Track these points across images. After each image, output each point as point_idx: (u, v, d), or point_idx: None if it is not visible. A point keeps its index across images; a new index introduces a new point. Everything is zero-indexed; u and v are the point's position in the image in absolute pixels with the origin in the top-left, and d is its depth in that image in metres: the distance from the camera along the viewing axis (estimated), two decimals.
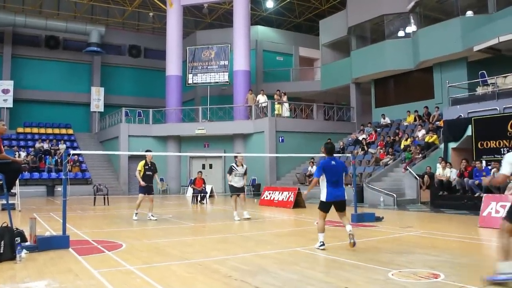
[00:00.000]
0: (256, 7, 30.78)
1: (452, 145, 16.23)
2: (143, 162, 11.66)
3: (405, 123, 21.37)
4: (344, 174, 7.21)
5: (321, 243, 6.96)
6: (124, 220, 11.35)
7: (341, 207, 7.09)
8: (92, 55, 31.62)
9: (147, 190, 11.58)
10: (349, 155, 15.36)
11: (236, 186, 11.61)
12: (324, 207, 7.06)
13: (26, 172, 22.89)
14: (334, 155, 7.27)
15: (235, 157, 11.86)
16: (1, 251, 6.19)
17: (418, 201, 15.98)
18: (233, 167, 11.56)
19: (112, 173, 26.03)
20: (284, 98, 24.21)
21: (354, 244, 6.81)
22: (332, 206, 7.06)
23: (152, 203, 11.78)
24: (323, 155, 7.46)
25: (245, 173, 11.67)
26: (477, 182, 13.41)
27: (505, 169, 4.94)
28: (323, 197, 7.04)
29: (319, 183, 7.13)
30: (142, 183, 11.48)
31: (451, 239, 8.18)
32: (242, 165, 11.59)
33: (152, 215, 11.63)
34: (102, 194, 17.15)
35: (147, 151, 12.85)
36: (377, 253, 6.75)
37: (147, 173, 11.59)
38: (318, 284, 4.97)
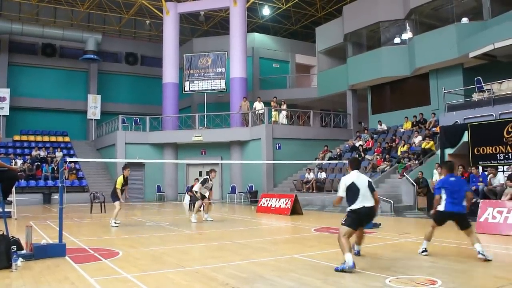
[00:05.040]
0: (252, 15, 30.91)
1: (448, 151, 16.25)
2: (121, 178, 12.21)
3: (402, 130, 21.42)
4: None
5: (425, 248, 7.20)
6: (121, 228, 11.31)
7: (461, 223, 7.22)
8: (88, 62, 31.61)
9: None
10: (346, 161, 15.35)
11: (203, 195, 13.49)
12: (440, 218, 7.31)
13: (23, 180, 22.79)
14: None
15: (210, 172, 13.85)
16: None
17: (415, 207, 15.96)
18: (207, 179, 13.54)
19: (109, 180, 25.86)
20: (284, 107, 24.25)
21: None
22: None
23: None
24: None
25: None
26: (474, 187, 13.44)
27: None
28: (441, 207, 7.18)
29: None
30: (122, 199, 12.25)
31: (448, 245, 8.18)
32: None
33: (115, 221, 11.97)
34: (99, 202, 17.09)
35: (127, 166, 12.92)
36: (374, 260, 6.74)
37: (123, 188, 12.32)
38: None
